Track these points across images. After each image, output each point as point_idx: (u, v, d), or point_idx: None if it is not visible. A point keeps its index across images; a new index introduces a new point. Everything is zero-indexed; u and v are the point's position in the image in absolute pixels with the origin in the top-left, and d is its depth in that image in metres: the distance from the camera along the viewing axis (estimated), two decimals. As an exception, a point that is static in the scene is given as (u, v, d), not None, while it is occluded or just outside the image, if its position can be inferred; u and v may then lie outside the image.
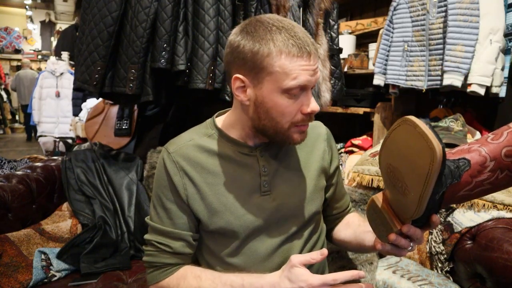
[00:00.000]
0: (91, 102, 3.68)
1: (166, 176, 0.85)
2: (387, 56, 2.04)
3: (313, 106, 0.76)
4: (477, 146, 0.63)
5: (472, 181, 0.63)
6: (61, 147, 4.67)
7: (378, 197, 0.72)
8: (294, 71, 0.72)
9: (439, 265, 1.23)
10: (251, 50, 0.73)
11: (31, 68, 8.00)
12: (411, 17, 1.91)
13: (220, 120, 0.90)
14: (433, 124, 1.68)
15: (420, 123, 0.57)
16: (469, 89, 1.68)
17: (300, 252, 0.89)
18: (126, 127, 2.22)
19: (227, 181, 0.84)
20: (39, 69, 8.75)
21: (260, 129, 0.80)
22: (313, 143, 0.94)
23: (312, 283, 0.73)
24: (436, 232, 1.26)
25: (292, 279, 0.75)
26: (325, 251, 0.77)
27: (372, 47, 2.40)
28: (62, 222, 1.55)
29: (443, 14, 1.74)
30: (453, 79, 1.69)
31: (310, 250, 0.91)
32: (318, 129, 0.97)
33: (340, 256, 1.24)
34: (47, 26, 10.30)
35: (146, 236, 0.89)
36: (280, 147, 0.89)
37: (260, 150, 0.86)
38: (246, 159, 0.86)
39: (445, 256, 1.21)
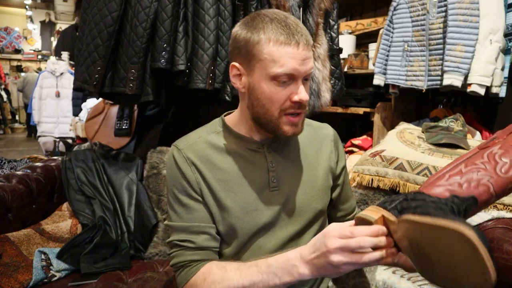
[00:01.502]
0: (91, 102, 3.68)
1: (179, 172, 0.85)
2: (387, 56, 2.04)
3: (302, 95, 0.77)
4: (487, 180, 0.61)
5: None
6: (61, 147, 4.66)
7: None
8: (282, 59, 0.74)
9: (439, 265, 1.23)
10: (245, 38, 0.78)
11: (36, 70, 8.05)
12: (411, 17, 1.91)
13: (228, 118, 0.92)
14: (433, 124, 1.68)
15: (482, 248, 0.50)
16: (469, 89, 1.68)
17: None
18: (126, 127, 2.22)
19: (236, 178, 0.85)
20: (39, 69, 8.75)
21: (255, 117, 0.82)
22: (320, 143, 0.95)
23: (329, 241, 0.63)
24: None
25: (319, 238, 0.67)
26: None
27: (372, 47, 2.40)
28: (62, 222, 1.55)
29: (443, 14, 1.73)
30: (453, 79, 1.69)
31: None
32: (326, 130, 0.99)
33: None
34: (47, 26, 10.30)
35: (168, 240, 0.86)
36: (286, 144, 0.90)
37: (267, 147, 0.87)
38: (254, 155, 0.87)
39: (445, 256, 1.21)
